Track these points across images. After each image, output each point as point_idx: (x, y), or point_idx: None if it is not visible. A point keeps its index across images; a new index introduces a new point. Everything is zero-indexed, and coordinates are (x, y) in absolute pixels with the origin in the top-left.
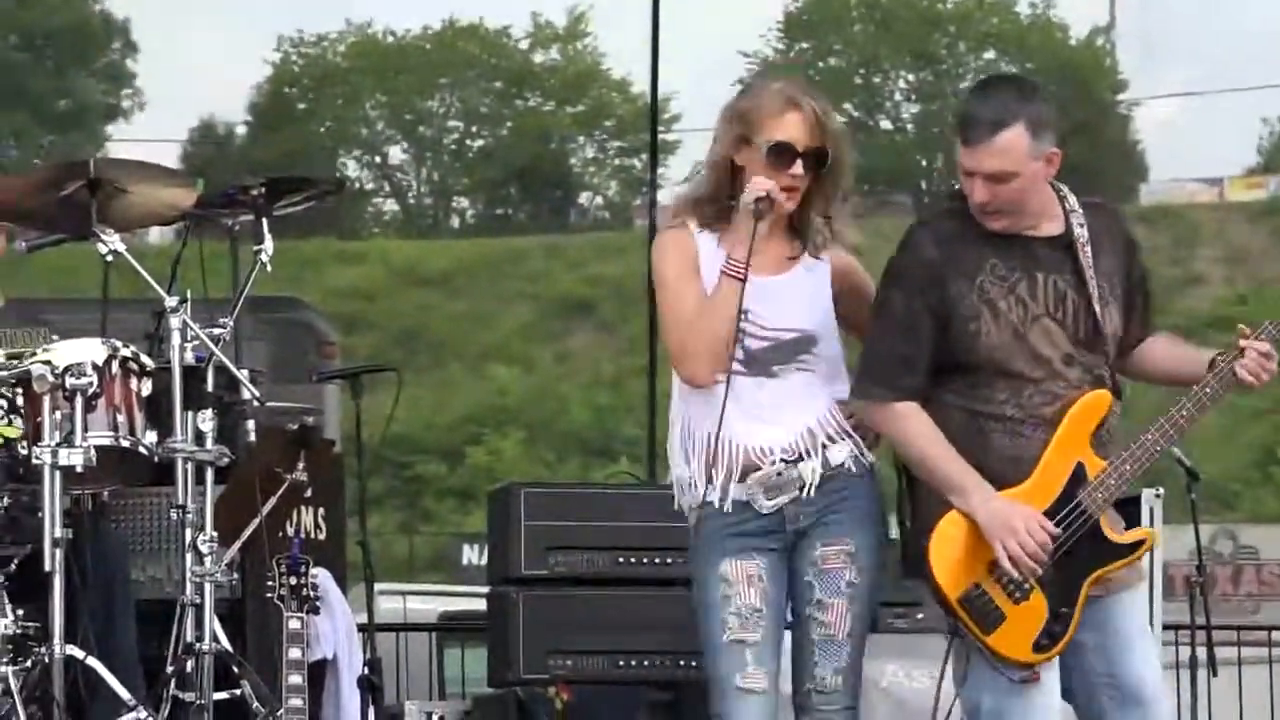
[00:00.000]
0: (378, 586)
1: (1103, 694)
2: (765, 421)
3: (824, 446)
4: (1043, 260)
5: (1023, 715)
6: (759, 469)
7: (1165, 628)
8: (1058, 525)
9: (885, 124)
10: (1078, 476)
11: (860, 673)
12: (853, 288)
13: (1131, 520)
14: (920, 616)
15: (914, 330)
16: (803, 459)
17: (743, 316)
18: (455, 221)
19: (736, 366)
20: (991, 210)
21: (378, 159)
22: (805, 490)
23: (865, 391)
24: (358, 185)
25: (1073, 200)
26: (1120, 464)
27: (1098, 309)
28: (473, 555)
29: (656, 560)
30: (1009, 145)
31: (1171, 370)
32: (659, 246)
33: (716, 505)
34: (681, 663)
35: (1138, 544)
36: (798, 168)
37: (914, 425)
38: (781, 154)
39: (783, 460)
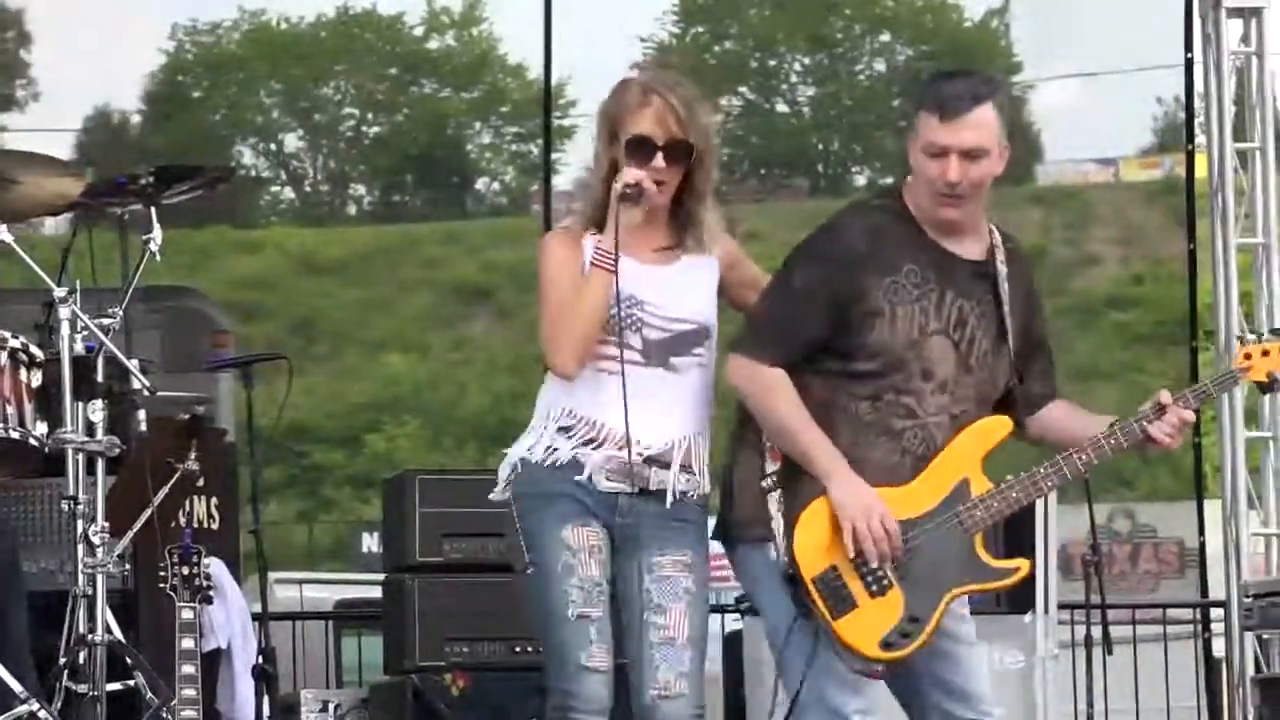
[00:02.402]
0: (274, 575)
1: (932, 694)
2: (645, 410)
3: (682, 468)
4: (958, 280)
5: (846, 706)
6: (619, 449)
7: (1061, 607)
8: (930, 530)
9: (781, 107)
10: (960, 491)
11: (703, 679)
12: (741, 277)
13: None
14: None
15: (811, 309)
16: (662, 467)
17: (639, 306)
18: (352, 209)
19: (634, 356)
20: (958, 193)
21: (273, 147)
22: (647, 496)
23: (748, 349)
24: (253, 173)
25: (998, 235)
26: (1007, 490)
27: (994, 346)
28: (372, 543)
29: None
30: (986, 120)
31: (1073, 434)
32: (544, 245)
33: (559, 459)
34: None
35: (1011, 570)
36: (659, 161)
37: (786, 393)
38: (639, 147)
39: (639, 455)
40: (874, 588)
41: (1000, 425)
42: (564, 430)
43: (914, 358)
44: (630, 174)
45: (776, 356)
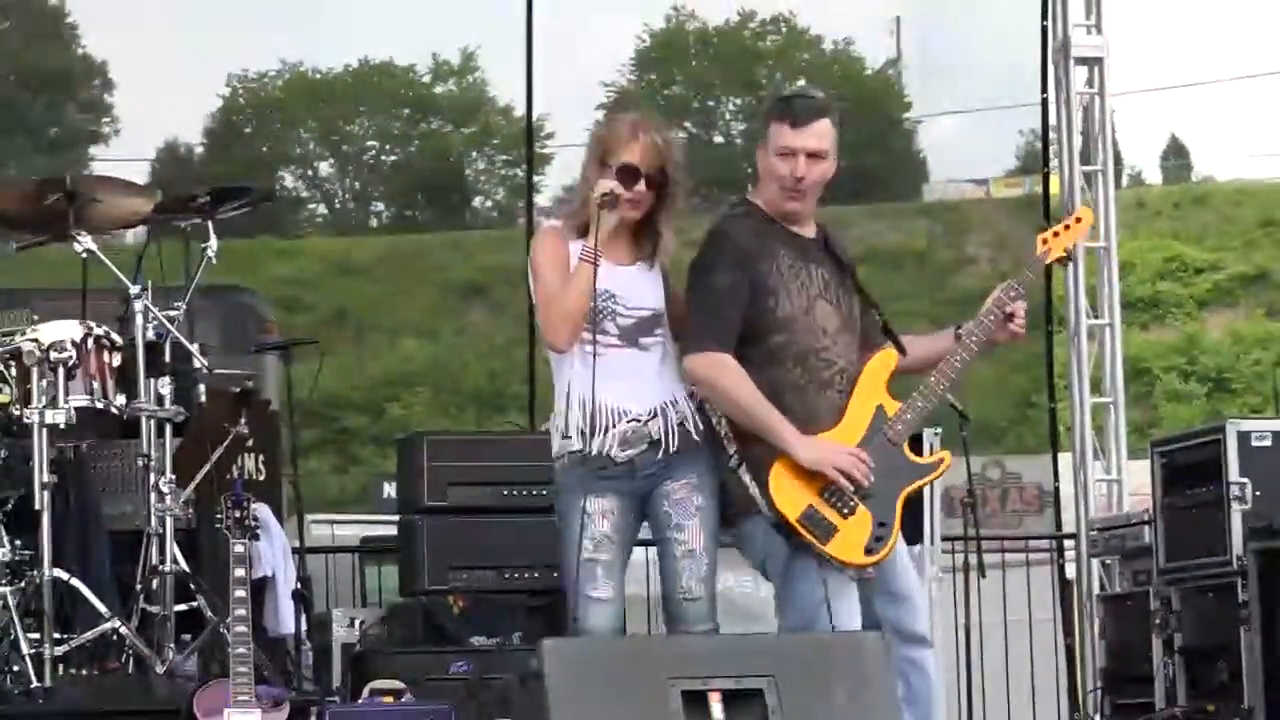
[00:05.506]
0: (310, 517)
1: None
2: (630, 385)
3: (673, 406)
4: (812, 255)
5: (844, 602)
6: (617, 425)
7: (944, 539)
8: (870, 453)
9: (718, 139)
10: (880, 415)
11: (715, 582)
12: (674, 293)
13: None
14: None
15: (735, 301)
16: (655, 418)
17: (611, 300)
18: (373, 222)
19: (613, 340)
20: (802, 188)
21: (310, 172)
22: (655, 446)
23: (699, 345)
24: (294, 194)
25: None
26: (913, 402)
27: (850, 301)
28: (391, 491)
29: (534, 493)
30: (827, 130)
31: (928, 353)
32: (538, 241)
33: (583, 453)
34: (554, 575)
35: (938, 463)
36: (641, 186)
37: (738, 375)
38: (627, 173)
39: (636, 420)
40: (845, 511)
41: (890, 357)
42: (580, 426)
43: (811, 322)
44: (605, 184)
45: (721, 345)
